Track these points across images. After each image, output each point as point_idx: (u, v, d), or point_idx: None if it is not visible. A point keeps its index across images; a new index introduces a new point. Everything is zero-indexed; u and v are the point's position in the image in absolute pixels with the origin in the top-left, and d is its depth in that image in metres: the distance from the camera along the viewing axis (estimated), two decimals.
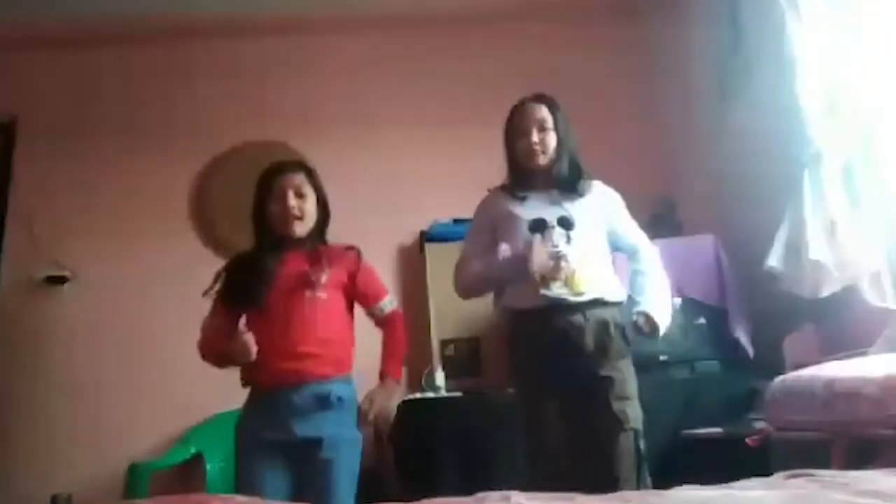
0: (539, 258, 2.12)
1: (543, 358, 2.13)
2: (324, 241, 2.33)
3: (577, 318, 2.13)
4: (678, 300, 3.06)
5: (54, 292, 3.78)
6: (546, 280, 2.13)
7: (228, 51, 4.16)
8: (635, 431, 2.07)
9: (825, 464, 1.68)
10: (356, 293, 2.31)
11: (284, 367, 2.09)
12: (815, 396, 1.80)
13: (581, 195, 2.33)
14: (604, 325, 2.14)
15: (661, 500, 1.04)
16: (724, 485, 1.13)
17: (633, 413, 2.10)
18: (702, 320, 3.06)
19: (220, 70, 4.15)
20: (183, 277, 3.57)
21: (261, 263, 2.20)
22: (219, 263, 3.81)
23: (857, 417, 1.67)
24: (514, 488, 1.19)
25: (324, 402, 2.09)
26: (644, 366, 2.96)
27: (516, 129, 2.37)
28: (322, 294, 2.18)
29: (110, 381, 3.66)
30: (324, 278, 2.17)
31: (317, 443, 2.07)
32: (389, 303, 2.37)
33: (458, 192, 3.91)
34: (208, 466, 3.39)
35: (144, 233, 3.84)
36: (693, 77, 3.74)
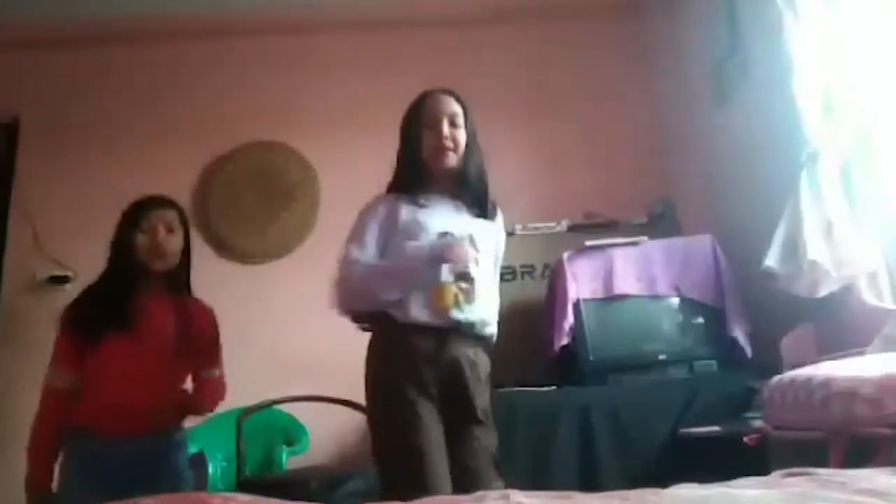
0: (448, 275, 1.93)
1: (431, 381, 1.94)
2: (188, 291, 2.37)
3: (468, 347, 1.99)
4: (676, 300, 3.08)
5: (56, 292, 3.79)
6: (457, 300, 1.93)
7: (229, 51, 4.17)
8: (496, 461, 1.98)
9: (822, 463, 1.70)
10: (188, 350, 2.30)
11: None
12: (813, 396, 1.80)
13: (485, 216, 2.10)
14: (478, 364, 2.02)
15: (658, 499, 1.05)
16: (721, 483, 1.13)
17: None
18: (700, 320, 3.07)
19: (221, 70, 4.16)
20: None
21: (123, 289, 2.23)
22: (219, 263, 3.90)
23: (854, 416, 1.68)
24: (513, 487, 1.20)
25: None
26: (642, 365, 2.99)
27: (422, 121, 2.10)
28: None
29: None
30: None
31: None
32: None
33: None
34: (210, 466, 3.39)
35: None
36: (691, 77, 3.75)
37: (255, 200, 3.96)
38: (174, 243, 2.29)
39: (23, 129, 4.03)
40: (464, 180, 2.07)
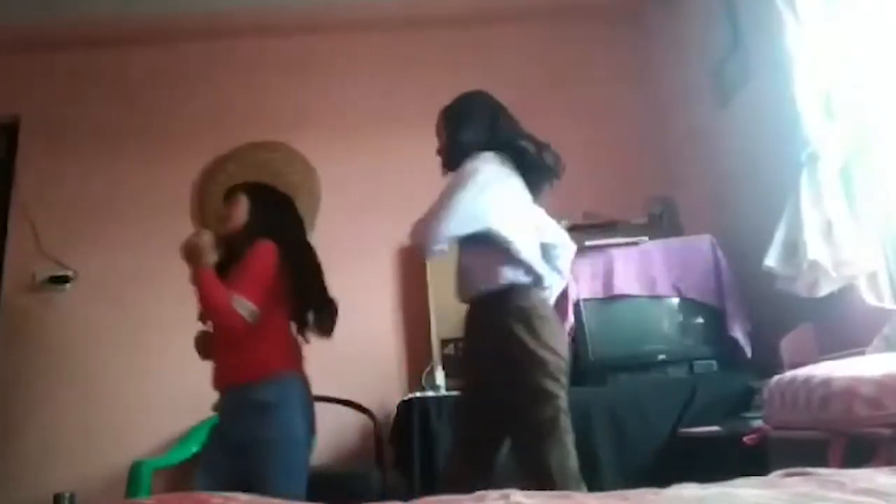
0: None
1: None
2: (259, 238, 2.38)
3: None
4: (676, 300, 3.08)
5: (57, 292, 3.79)
6: None
7: (229, 51, 4.17)
8: None
9: (822, 462, 1.70)
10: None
11: None
12: (813, 395, 1.81)
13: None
14: None
15: (658, 499, 1.05)
16: (721, 483, 1.13)
17: None
18: (700, 320, 3.07)
19: (221, 70, 4.17)
20: (185, 277, 3.57)
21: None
22: None
23: (854, 416, 1.68)
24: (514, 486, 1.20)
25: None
26: (642, 365, 2.99)
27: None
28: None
29: (112, 380, 3.68)
30: None
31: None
32: None
33: None
34: None
35: (146, 233, 3.84)
36: (691, 78, 3.75)
37: None
38: (232, 212, 2.38)
39: (23, 129, 4.03)
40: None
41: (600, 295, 3.06)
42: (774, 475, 1.20)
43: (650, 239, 3.19)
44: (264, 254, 2.24)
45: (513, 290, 2.08)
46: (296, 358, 2.37)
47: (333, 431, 3.54)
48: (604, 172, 4.01)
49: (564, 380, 2.06)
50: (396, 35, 4.20)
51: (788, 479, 1.15)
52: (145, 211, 3.92)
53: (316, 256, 2.43)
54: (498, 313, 2.06)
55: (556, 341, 2.05)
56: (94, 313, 3.78)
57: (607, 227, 3.62)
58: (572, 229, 3.68)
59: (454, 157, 2.29)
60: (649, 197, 3.82)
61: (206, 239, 2.21)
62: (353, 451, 3.56)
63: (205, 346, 2.36)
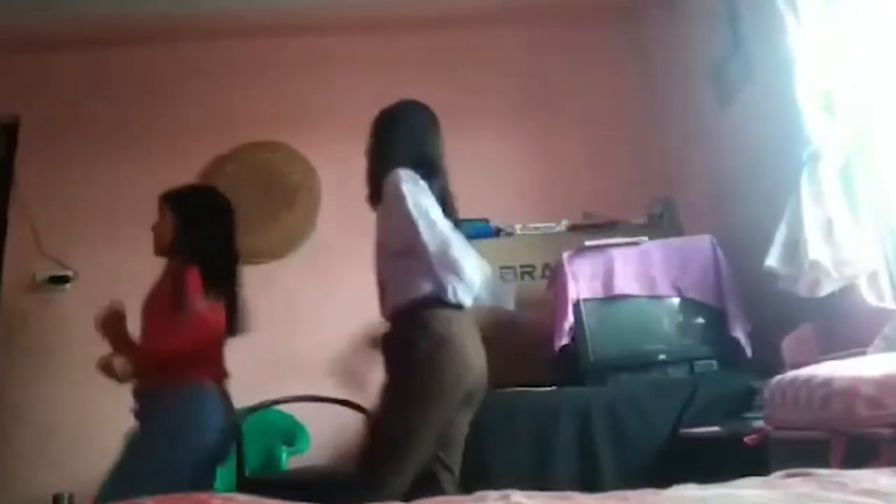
0: None
1: None
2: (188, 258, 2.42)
3: None
4: (676, 300, 3.08)
5: (57, 292, 3.79)
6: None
7: (229, 51, 4.17)
8: None
9: (823, 463, 1.69)
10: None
11: None
12: (813, 395, 1.80)
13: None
14: None
15: (658, 500, 1.05)
16: (721, 483, 1.13)
17: None
18: (700, 320, 3.07)
19: (221, 70, 4.16)
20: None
21: None
22: None
23: (854, 416, 1.68)
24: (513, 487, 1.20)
25: None
26: (643, 365, 2.99)
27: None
28: None
29: (112, 381, 3.66)
30: None
31: None
32: None
33: (458, 192, 3.93)
34: None
35: (146, 232, 3.82)
36: (691, 78, 3.74)
37: (255, 200, 3.95)
38: (160, 226, 2.52)
39: (23, 129, 4.03)
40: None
41: (600, 295, 3.06)
42: (775, 476, 1.20)
43: (650, 239, 3.18)
44: (190, 284, 2.26)
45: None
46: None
47: (333, 431, 3.54)
48: (604, 172, 4.01)
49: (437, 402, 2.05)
50: (397, 35, 4.19)
51: (789, 480, 1.15)
52: (145, 211, 3.90)
53: (237, 265, 2.48)
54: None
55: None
56: (94, 313, 3.77)
57: (607, 227, 3.62)
58: (572, 229, 3.70)
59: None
60: (649, 197, 3.82)
61: (119, 364, 2.27)
62: (353, 451, 3.56)
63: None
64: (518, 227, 3.71)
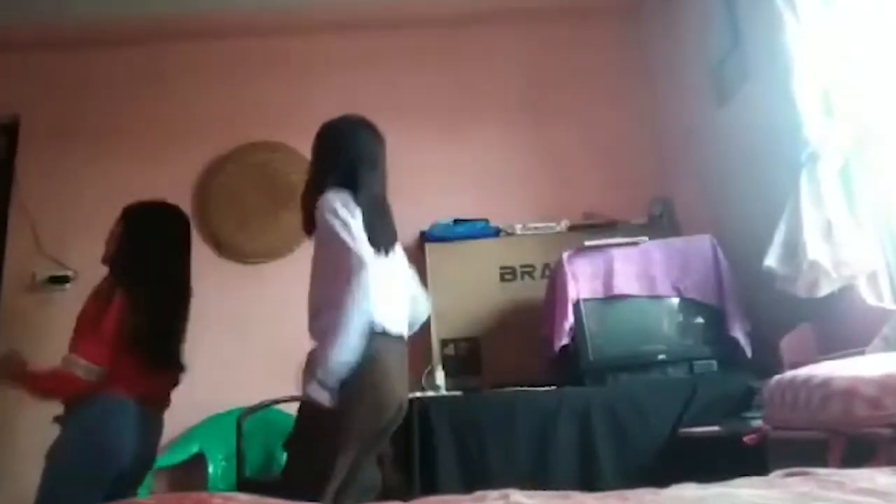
0: None
1: None
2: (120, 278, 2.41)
3: None
4: (676, 300, 3.08)
5: (57, 292, 3.79)
6: None
7: (229, 51, 4.17)
8: None
9: (822, 463, 1.70)
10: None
11: None
12: (812, 395, 1.81)
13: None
14: None
15: (658, 499, 1.05)
16: (721, 483, 1.13)
17: None
18: (700, 320, 3.07)
19: (221, 70, 4.17)
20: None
21: None
22: (219, 263, 3.90)
23: (853, 416, 1.68)
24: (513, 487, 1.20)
25: None
26: (642, 365, 2.99)
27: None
28: None
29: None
30: None
31: None
32: None
33: (458, 192, 3.94)
34: (210, 466, 3.40)
35: None
36: (690, 77, 3.75)
37: (255, 200, 3.96)
38: (109, 235, 2.50)
39: (23, 129, 4.03)
40: None
41: (600, 295, 3.06)
42: (774, 475, 1.20)
43: (650, 239, 3.19)
44: (116, 311, 2.22)
45: None
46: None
47: None
48: (604, 172, 4.01)
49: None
50: (396, 34, 4.19)
51: (788, 479, 1.15)
52: None
53: (180, 296, 2.42)
54: None
55: None
56: None
57: (607, 227, 3.63)
58: (572, 229, 3.71)
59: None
60: (649, 197, 3.83)
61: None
62: None
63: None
64: (518, 227, 3.71)
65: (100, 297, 2.28)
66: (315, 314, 2.07)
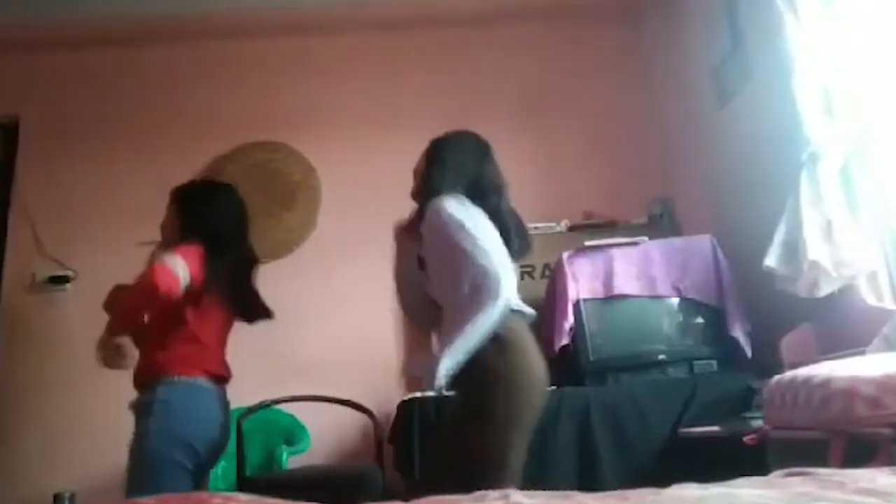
0: None
1: None
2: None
3: None
4: (676, 300, 3.08)
5: (57, 292, 3.79)
6: None
7: (228, 51, 4.17)
8: None
9: (822, 462, 1.69)
10: None
11: None
12: (813, 395, 1.81)
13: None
14: None
15: (658, 499, 1.05)
16: (721, 483, 1.13)
17: None
18: (700, 320, 3.07)
19: (221, 70, 4.16)
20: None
21: None
22: None
23: (854, 416, 1.68)
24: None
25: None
26: (642, 365, 3.00)
27: None
28: None
29: (113, 380, 3.66)
30: None
31: None
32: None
33: None
34: None
35: (145, 233, 3.83)
36: (691, 77, 3.75)
37: (255, 200, 3.94)
38: (164, 220, 2.50)
39: (23, 129, 4.03)
40: None
41: (600, 295, 3.06)
42: (774, 475, 1.20)
43: (650, 239, 3.19)
44: (190, 256, 2.21)
45: None
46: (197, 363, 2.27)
47: (333, 431, 3.55)
48: (604, 172, 4.01)
49: None
50: (396, 35, 4.19)
51: (788, 479, 1.15)
52: (145, 211, 3.91)
53: (249, 252, 2.45)
54: None
55: None
56: (94, 313, 3.76)
57: (607, 227, 3.63)
58: (572, 229, 3.71)
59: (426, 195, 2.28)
60: (649, 197, 3.83)
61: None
62: (353, 451, 3.56)
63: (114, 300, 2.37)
64: None
65: None
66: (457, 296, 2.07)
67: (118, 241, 3.82)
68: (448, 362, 1.95)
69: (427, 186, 2.30)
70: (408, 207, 3.93)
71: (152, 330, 2.28)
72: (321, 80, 4.16)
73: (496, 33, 4.22)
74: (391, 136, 4.05)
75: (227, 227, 2.39)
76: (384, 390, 3.60)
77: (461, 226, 2.07)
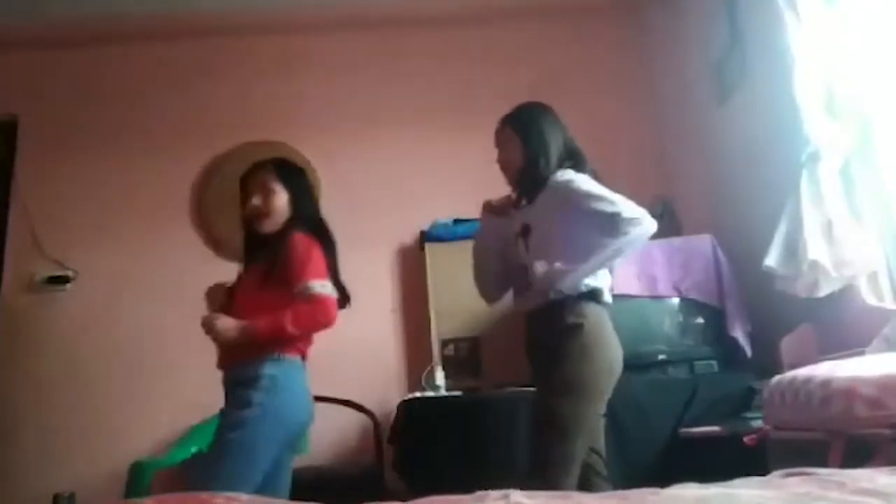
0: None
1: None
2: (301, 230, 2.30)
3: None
4: (676, 300, 3.08)
5: (57, 292, 3.79)
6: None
7: (228, 51, 4.17)
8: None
9: (822, 463, 1.69)
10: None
11: None
12: (813, 396, 1.80)
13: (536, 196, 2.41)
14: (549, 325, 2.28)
15: (658, 499, 1.05)
16: (721, 483, 1.13)
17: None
18: (700, 320, 3.07)
19: (221, 70, 4.17)
20: (183, 277, 3.60)
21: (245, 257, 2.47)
22: (219, 262, 3.90)
23: (853, 416, 1.68)
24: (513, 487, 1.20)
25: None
26: (643, 365, 2.99)
27: None
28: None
29: (112, 380, 3.68)
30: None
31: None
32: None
33: (458, 192, 3.93)
34: None
35: (145, 233, 3.85)
36: (691, 76, 3.75)
37: None
38: (275, 202, 2.35)
39: (22, 129, 4.03)
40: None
41: None
42: (774, 475, 1.20)
43: (650, 239, 3.18)
44: (307, 246, 2.19)
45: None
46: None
47: (333, 431, 3.55)
48: (603, 171, 3.99)
49: None
50: (396, 34, 4.20)
51: (788, 480, 1.15)
52: (145, 211, 3.92)
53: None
54: None
55: None
56: (93, 313, 3.78)
57: None
58: None
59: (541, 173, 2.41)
60: (650, 196, 3.81)
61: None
62: (353, 451, 3.56)
63: (216, 298, 2.34)
64: None
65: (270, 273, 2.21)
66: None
67: (118, 241, 3.82)
68: (586, 268, 2.31)
69: (536, 164, 2.44)
70: (407, 207, 3.96)
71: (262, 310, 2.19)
72: (321, 80, 4.16)
73: (495, 32, 4.22)
74: (392, 136, 4.05)
75: (319, 212, 2.40)
76: (384, 390, 3.61)
77: (594, 195, 2.41)
